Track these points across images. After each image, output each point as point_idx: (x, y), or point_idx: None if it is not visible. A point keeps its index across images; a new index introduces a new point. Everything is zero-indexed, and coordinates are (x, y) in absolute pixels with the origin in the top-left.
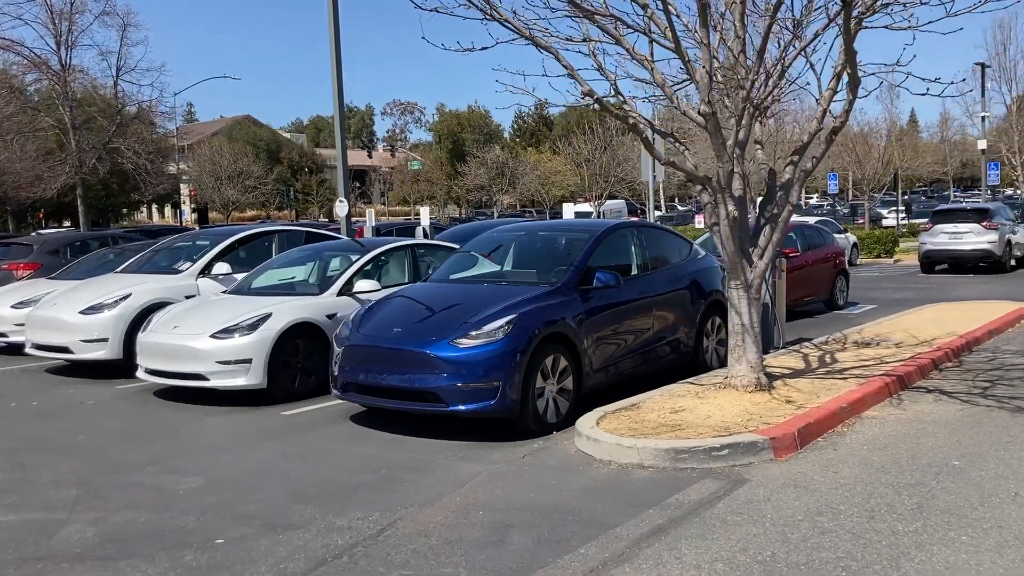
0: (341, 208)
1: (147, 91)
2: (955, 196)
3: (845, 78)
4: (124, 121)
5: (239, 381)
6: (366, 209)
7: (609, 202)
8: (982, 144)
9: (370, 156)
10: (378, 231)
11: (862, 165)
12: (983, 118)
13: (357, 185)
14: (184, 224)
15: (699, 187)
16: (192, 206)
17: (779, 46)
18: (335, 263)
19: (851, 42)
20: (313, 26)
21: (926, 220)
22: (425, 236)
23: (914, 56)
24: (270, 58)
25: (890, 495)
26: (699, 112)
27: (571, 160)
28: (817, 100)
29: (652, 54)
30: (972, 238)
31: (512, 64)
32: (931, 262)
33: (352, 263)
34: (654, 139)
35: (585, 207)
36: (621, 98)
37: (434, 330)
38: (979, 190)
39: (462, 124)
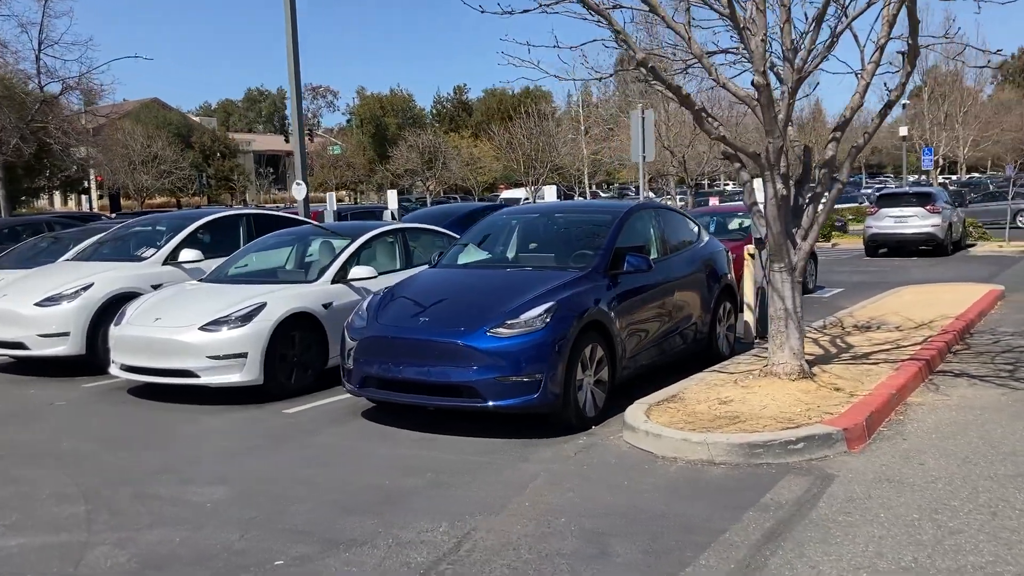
0: (299, 191)
1: (73, 67)
2: (866, 183)
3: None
4: (47, 99)
5: (233, 377)
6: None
7: (544, 188)
8: (903, 131)
9: (287, 141)
10: (340, 215)
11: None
12: (904, 105)
13: (271, 171)
14: (93, 211)
15: (738, 165)
16: (99, 192)
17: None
18: (322, 249)
19: (915, 10)
20: (223, 3)
21: (867, 205)
22: (394, 220)
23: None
24: (176, 38)
25: (997, 489)
26: (753, 83)
27: (498, 146)
28: (857, 74)
29: (689, 23)
30: (917, 221)
31: (490, 41)
32: (876, 245)
33: (344, 248)
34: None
35: (518, 192)
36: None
37: (466, 319)
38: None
39: (384, 108)
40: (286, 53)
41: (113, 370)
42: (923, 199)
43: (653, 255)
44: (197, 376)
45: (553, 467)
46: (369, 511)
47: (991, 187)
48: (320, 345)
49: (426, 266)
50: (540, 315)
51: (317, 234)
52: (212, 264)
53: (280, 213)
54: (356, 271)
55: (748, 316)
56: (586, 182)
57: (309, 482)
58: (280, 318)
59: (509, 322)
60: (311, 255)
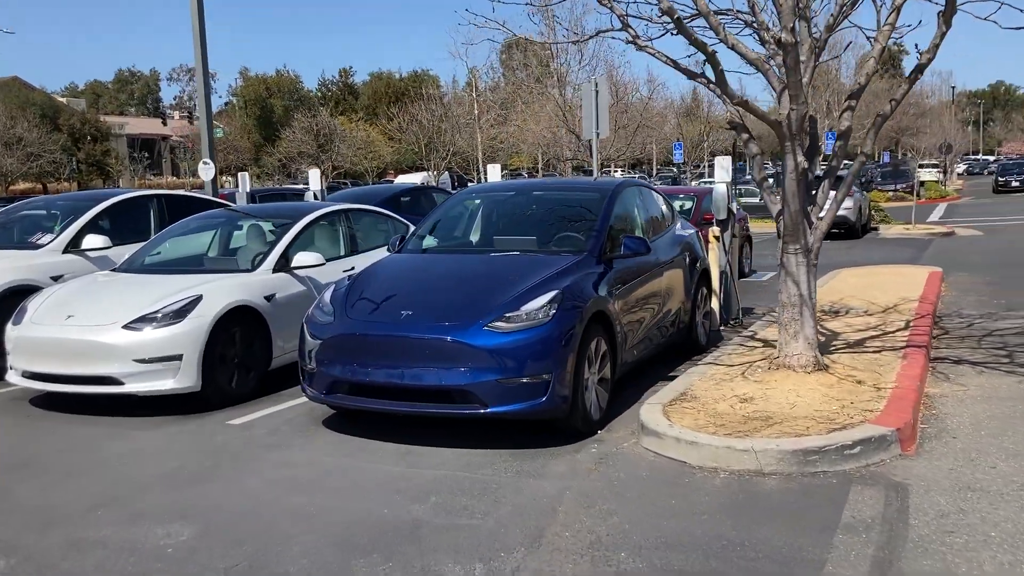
0: (206, 171)
1: None
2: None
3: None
4: None
5: (166, 384)
6: (239, 174)
7: (425, 174)
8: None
9: (165, 124)
10: (254, 198)
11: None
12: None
13: (146, 155)
14: None
15: (746, 136)
16: None
17: None
18: (254, 233)
19: None
20: None
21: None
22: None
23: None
24: (38, 11)
25: None
26: (780, 41)
27: (395, 129)
28: (870, 38)
29: None
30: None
31: (376, 22)
32: None
33: (285, 232)
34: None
35: (414, 178)
36: (632, 32)
37: (457, 312)
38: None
39: (270, 89)
40: (191, 29)
41: (11, 377)
42: (836, 183)
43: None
44: (121, 383)
45: (576, 484)
46: (379, 550)
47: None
48: (263, 343)
49: (379, 251)
50: (544, 306)
51: (246, 217)
52: (122, 252)
53: (194, 194)
54: (300, 258)
55: (714, 303)
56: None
57: (294, 513)
58: (219, 313)
59: (509, 315)
60: (242, 241)
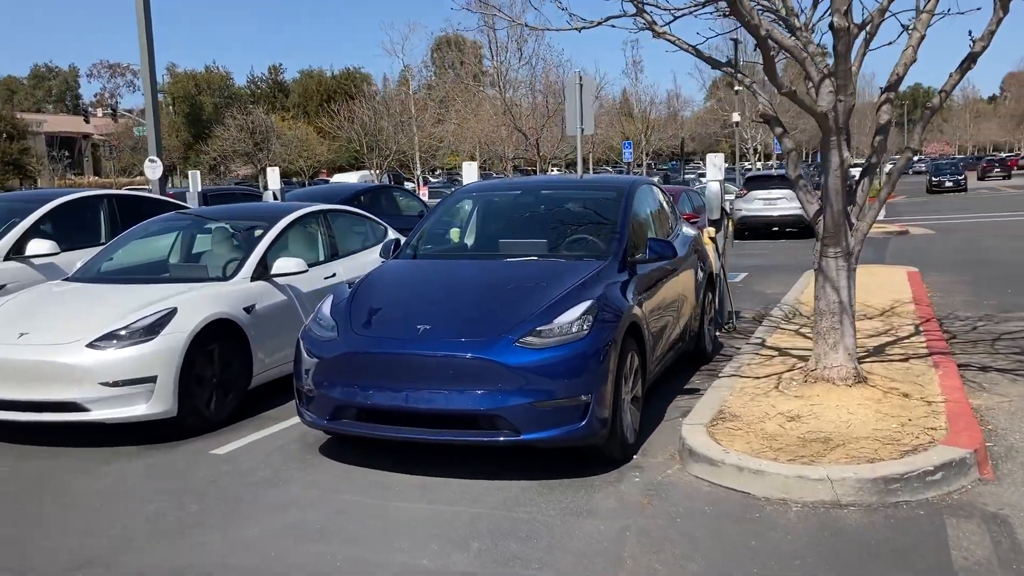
0: (153, 170)
1: None
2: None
3: None
4: None
5: (137, 409)
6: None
7: (363, 173)
8: (736, 116)
9: (87, 121)
10: (206, 198)
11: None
12: (736, 91)
13: (66, 154)
14: None
15: (779, 131)
16: None
17: None
18: (222, 238)
19: None
20: None
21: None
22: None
23: None
24: None
25: None
26: (832, 26)
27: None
28: (905, 27)
29: None
30: (785, 204)
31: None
32: (746, 228)
33: (262, 236)
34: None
35: (351, 177)
36: (648, 18)
37: (482, 326)
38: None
39: (199, 86)
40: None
41: None
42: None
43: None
44: (85, 410)
45: (634, 523)
46: None
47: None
48: (243, 361)
49: (360, 256)
50: (578, 319)
51: (213, 220)
52: (70, 259)
53: (148, 195)
54: (281, 264)
55: None
56: (419, 167)
57: (315, 570)
58: (197, 328)
59: (541, 329)
60: (212, 246)
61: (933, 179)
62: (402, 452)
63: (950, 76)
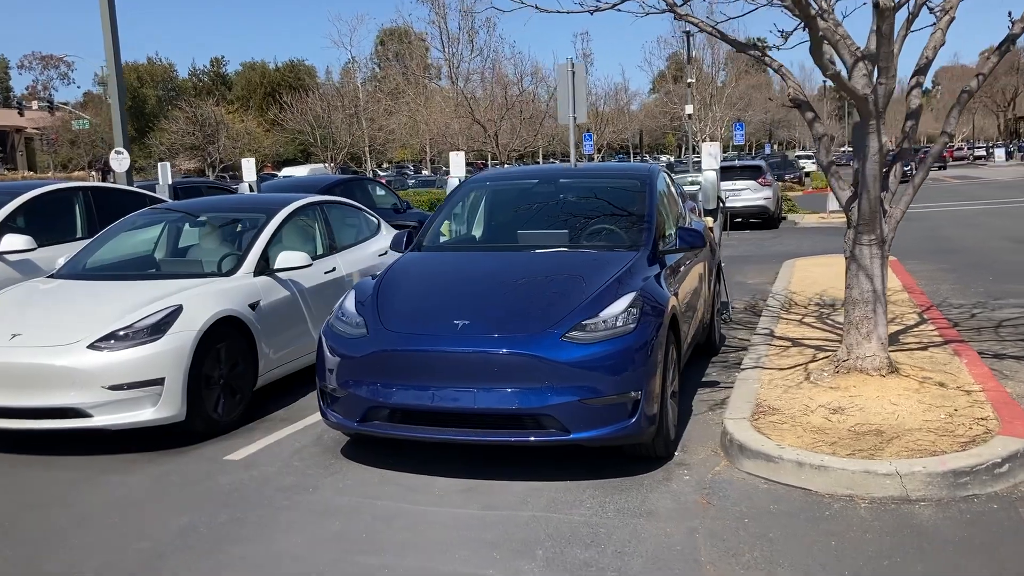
0: (119, 162)
1: None
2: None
3: None
4: None
5: (144, 414)
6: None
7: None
8: (689, 109)
9: (22, 114)
10: (176, 192)
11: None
12: (689, 83)
13: None
14: None
15: (811, 115)
16: None
17: None
18: (222, 230)
19: None
20: None
21: None
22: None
23: None
24: None
25: None
26: (876, 5)
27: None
28: (934, 10)
29: None
30: (750, 195)
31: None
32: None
33: (262, 228)
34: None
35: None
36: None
37: (524, 320)
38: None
39: (142, 78)
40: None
41: None
42: (755, 172)
43: (670, 229)
44: (88, 416)
45: (700, 524)
46: None
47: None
48: (249, 360)
49: (357, 249)
50: (624, 311)
51: (205, 212)
52: (47, 255)
53: (127, 188)
54: (284, 258)
55: None
56: (368, 160)
57: None
58: (205, 326)
59: (586, 323)
60: (205, 240)
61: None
62: (427, 454)
63: (988, 59)
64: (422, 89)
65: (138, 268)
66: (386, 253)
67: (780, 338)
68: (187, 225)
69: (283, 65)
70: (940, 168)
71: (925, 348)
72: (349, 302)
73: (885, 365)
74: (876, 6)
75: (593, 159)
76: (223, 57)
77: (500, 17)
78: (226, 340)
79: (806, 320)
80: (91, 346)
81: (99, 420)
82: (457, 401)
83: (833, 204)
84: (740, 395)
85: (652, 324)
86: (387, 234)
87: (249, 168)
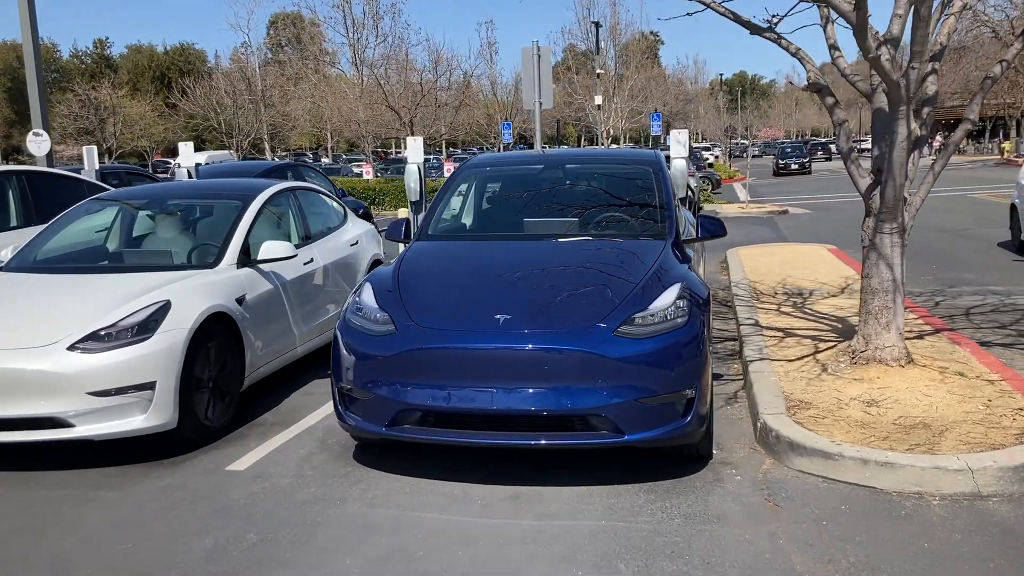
0: (38, 145)
1: None
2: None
3: None
4: None
5: (133, 422)
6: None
7: (217, 152)
8: (598, 99)
9: None
10: (103, 177)
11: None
12: (599, 74)
13: None
14: None
15: (831, 101)
16: None
17: None
18: (193, 218)
19: None
20: None
21: None
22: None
23: None
24: None
25: None
26: None
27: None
28: None
29: None
30: None
31: None
32: None
33: (239, 216)
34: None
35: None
36: None
37: (569, 314)
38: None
39: (22, 59)
40: None
41: None
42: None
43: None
44: (69, 425)
45: (777, 529)
46: None
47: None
48: (237, 360)
49: (331, 238)
50: (672, 305)
51: (171, 197)
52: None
53: (67, 173)
54: (268, 248)
55: None
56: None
57: None
58: (197, 323)
59: (637, 316)
60: (169, 228)
61: (780, 162)
62: (450, 459)
63: (1011, 47)
64: (323, 75)
65: (101, 260)
66: (357, 243)
67: (769, 328)
68: (149, 213)
69: (172, 48)
70: (826, 160)
71: (921, 337)
72: (367, 296)
73: (904, 356)
74: None
75: (510, 148)
76: (107, 39)
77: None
78: (216, 338)
79: (783, 309)
80: (72, 347)
81: (82, 430)
82: (500, 402)
83: (744, 195)
84: (764, 389)
85: (699, 317)
86: (353, 223)
87: (187, 153)
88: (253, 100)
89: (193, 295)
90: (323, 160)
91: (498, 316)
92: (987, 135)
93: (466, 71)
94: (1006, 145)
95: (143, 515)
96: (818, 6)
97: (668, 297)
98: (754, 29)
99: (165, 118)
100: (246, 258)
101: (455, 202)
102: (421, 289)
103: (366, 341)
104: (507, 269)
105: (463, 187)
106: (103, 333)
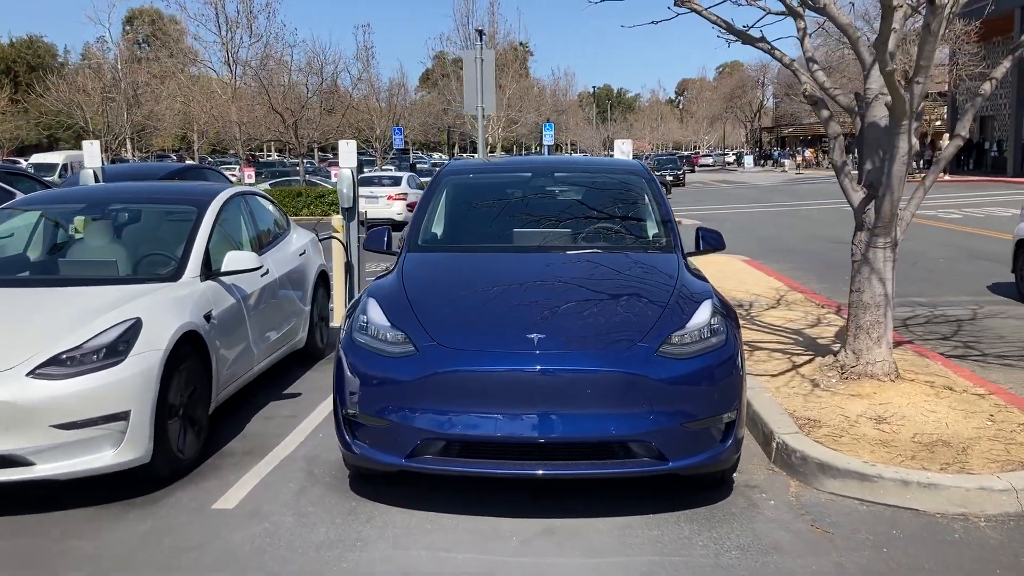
0: None
1: None
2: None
3: None
4: None
5: (102, 459)
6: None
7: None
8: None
9: None
10: None
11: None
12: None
13: None
14: None
15: (827, 114)
16: None
17: None
18: (138, 224)
19: None
20: None
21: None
22: (97, 181)
23: None
24: None
25: None
26: (931, 1)
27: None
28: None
29: None
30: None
31: None
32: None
33: (196, 224)
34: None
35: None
36: None
37: (606, 333)
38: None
39: None
40: None
41: None
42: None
43: None
44: (28, 464)
45: (842, 559)
46: None
47: None
48: (204, 384)
49: (280, 246)
50: (708, 322)
51: (108, 201)
52: None
53: None
54: (232, 259)
55: None
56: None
57: None
58: (171, 344)
59: (676, 335)
60: (105, 235)
61: (655, 173)
62: (460, 491)
63: (1000, 65)
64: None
65: (39, 272)
66: (304, 253)
67: None
68: (82, 218)
69: (18, 41)
70: (691, 171)
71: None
72: (375, 312)
73: (893, 370)
74: (931, 2)
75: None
76: None
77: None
78: (186, 360)
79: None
80: (33, 373)
81: (44, 469)
82: (537, 430)
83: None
84: (765, 406)
85: (734, 335)
86: (296, 232)
87: (93, 152)
88: (115, 98)
89: (164, 312)
90: (187, 162)
91: (531, 336)
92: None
93: (333, 72)
94: None
95: (136, 567)
96: (794, 19)
97: (703, 314)
98: (747, 40)
99: (8, 116)
100: (208, 270)
101: (441, 211)
102: (436, 305)
103: (380, 363)
104: (524, 283)
105: (447, 195)
106: (65, 357)
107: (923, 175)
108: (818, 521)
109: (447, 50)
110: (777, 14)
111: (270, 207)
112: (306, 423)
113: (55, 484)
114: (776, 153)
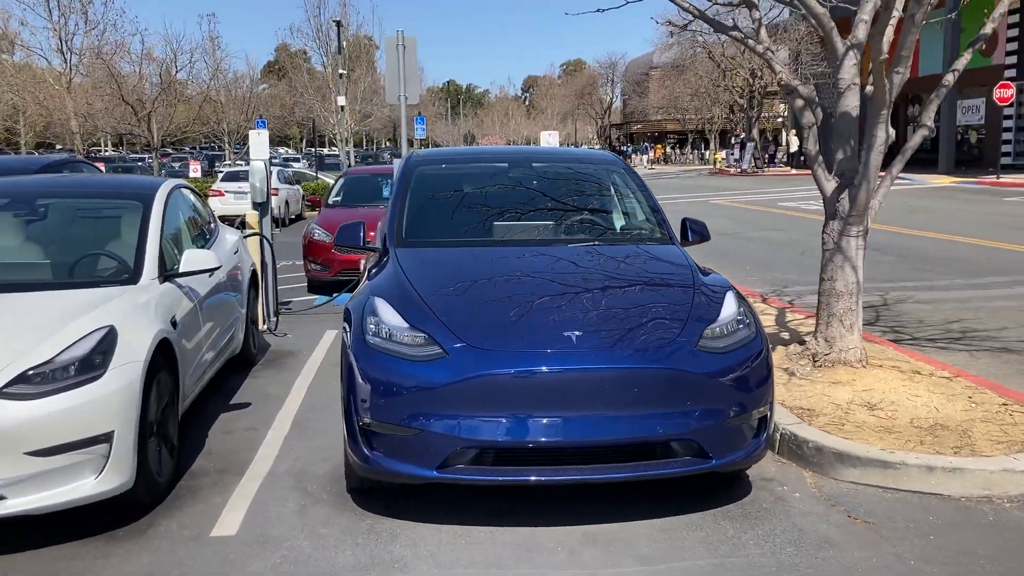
0: None
1: None
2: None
3: None
4: None
5: (82, 488)
6: None
7: None
8: (342, 100)
9: None
10: None
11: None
12: (341, 74)
13: None
14: None
15: (800, 103)
16: None
17: None
18: (66, 219)
19: None
20: None
21: None
22: None
23: None
24: None
25: None
26: None
27: None
28: None
29: None
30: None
31: None
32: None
33: (144, 220)
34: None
35: None
36: None
37: (643, 328)
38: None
39: None
40: None
41: None
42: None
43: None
44: (1, 497)
45: (894, 550)
46: None
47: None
48: (173, 397)
49: (220, 243)
50: (736, 313)
51: (36, 196)
52: None
53: None
54: (191, 258)
55: None
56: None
57: None
58: (150, 354)
59: (709, 329)
60: (28, 232)
61: None
62: (478, 499)
63: (961, 57)
64: (12, 62)
65: None
66: (237, 251)
67: None
68: (8, 214)
69: None
70: None
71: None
72: (386, 312)
73: (864, 356)
74: None
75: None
76: None
77: None
78: (160, 371)
79: None
80: (3, 393)
81: (16, 504)
82: (580, 432)
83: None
84: None
85: (760, 328)
86: (225, 229)
87: None
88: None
89: (136, 319)
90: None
91: (567, 333)
92: (690, 147)
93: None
94: (718, 156)
95: None
96: (749, 9)
97: (731, 306)
98: (721, 28)
99: None
100: (168, 268)
101: (420, 204)
102: (453, 303)
103: (403, 368)
104: (538, 279)
105: (422, 186)
106: (33, 374)
107: (887, 169)
108: (853, 512)
109: (293, 42)
110: (731, 5)
111: (199, 202)
112: (271, 435)
113: (17, 520)
114: (627, 149)
